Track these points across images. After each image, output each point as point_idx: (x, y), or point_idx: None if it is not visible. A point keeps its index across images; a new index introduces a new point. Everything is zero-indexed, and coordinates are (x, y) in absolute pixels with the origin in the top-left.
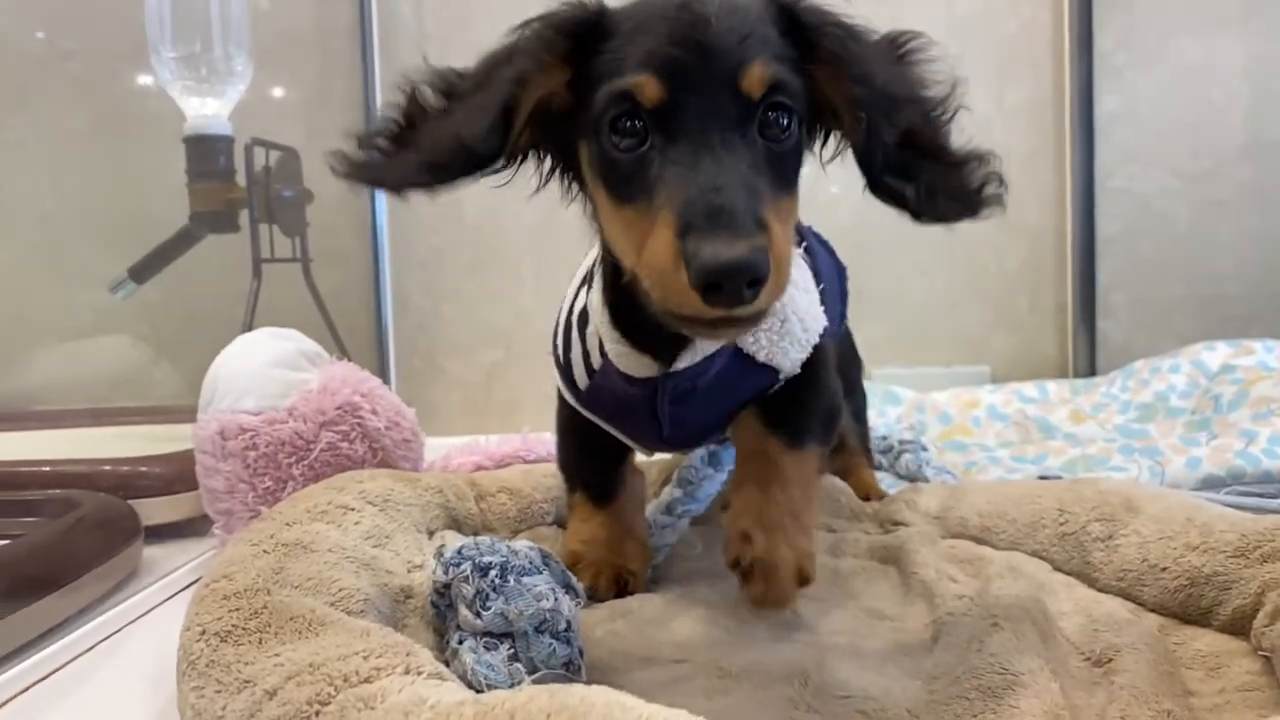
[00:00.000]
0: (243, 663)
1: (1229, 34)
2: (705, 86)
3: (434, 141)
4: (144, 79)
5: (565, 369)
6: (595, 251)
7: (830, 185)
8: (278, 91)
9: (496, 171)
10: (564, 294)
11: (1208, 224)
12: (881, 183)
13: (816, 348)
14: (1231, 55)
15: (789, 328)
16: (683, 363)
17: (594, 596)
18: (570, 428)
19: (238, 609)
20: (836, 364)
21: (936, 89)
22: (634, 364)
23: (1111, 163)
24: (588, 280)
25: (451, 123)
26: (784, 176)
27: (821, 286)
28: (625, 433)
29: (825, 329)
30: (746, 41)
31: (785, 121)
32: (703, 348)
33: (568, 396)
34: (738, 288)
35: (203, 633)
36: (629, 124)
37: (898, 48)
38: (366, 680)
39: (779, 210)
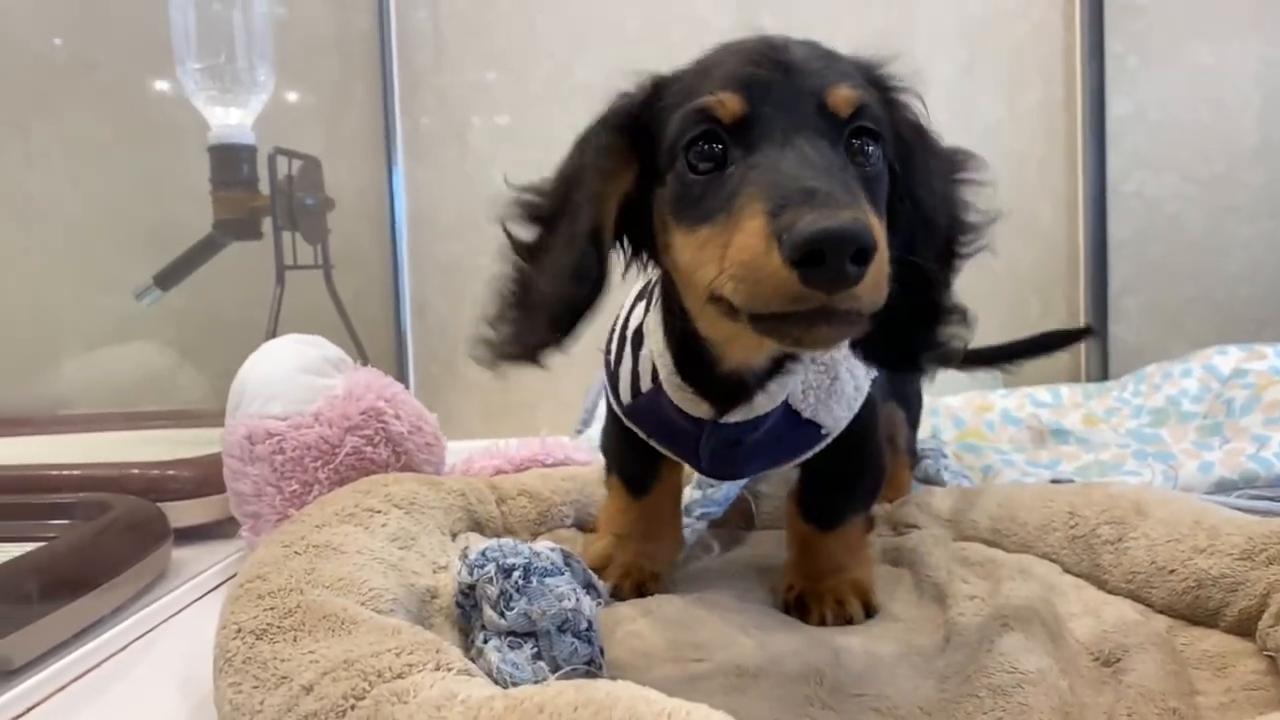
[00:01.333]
0: (279, 659)
1: (1241, 39)
2: (788, 102)
3: (548, 297)
4: (168, 88)
5: (613, 377)
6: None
7: None
8: (297, 99)
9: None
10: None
11: (1220, 227)
12: None
13: (864, 403)
14: (1243, 60)
15: (839, 386)
16: (734, 417)
17: (617, 596)
18: (617, 417)
19: (273, 608)
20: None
21: (976, 216)
22: (688, 403)
23: (1123, 166)
24: (646, 296)
25: (554, 267)
26: (875, 199)
27: None
28: (664, 448)
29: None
30: (832, 67)
31: (871, 149)
32: (759, 404)
33: (611, 403)
34: (841, 258)
35: (239, 630)
36: (707, 147)
37: (957, 166)
38: (399, 676)
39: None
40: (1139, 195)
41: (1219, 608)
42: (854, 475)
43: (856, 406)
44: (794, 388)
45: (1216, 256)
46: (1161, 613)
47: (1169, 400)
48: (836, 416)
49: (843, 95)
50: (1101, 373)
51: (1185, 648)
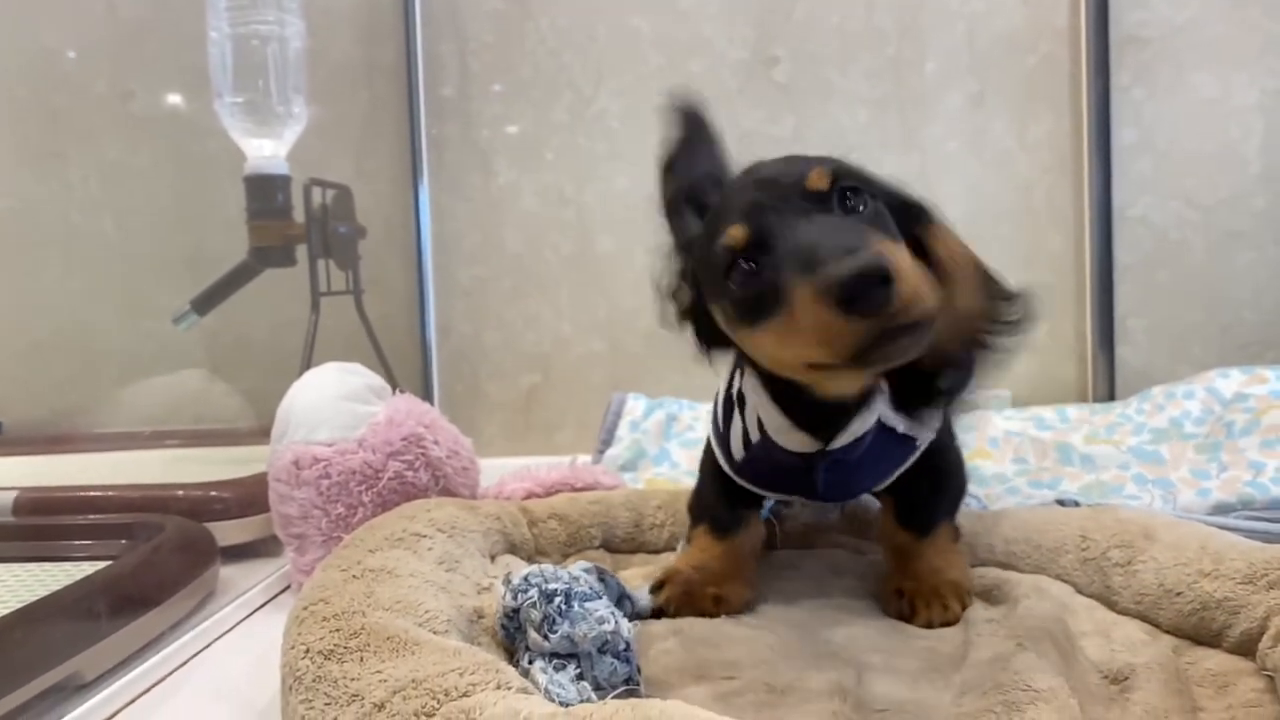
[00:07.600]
0: (348, 678)
1: (1244, 71)
2: (779, 202)
3: None
4: (203, 117)
5: (723, 440)
6: None
7: None
8: (327, 129)
9: None
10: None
11: (1224, 253)
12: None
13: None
14: (1246, 90)
15: None
16: (839, 442)
17: (667, 613)
18: (713, 475)
19: (338, 629)
20: None
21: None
22: (794, 440)
23: (1129, 193)
24: (738, 364)
25: None
26: (882, 228)
27: None
28: (777, 493)
29: None
30: (810, 163)
31: (857, 199)
32: (857, 426)
33: (722, 463)
34: (870, 289)
35: (307, 651)
36: (741, 267)
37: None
38: (465, 694)
39: (883, 242)
40: (1144, 221)
41: (1222, 629)
42: (942, 479)
43: (939, 418)
44: (885, 409)
45: (1221, 281)
46: (1168, 633)
47: (1172, 422)
48: (927, 429)
49: (816, 175)
50: (1108, 394)
51: (1190, 666)
